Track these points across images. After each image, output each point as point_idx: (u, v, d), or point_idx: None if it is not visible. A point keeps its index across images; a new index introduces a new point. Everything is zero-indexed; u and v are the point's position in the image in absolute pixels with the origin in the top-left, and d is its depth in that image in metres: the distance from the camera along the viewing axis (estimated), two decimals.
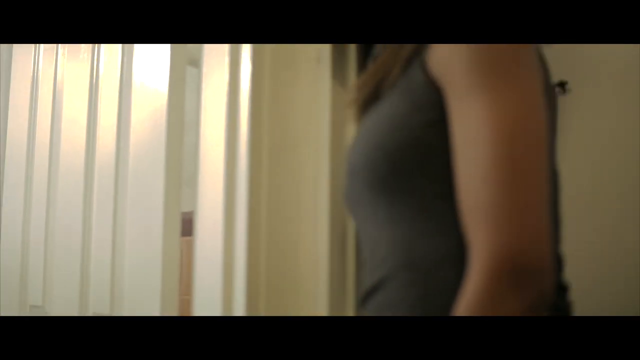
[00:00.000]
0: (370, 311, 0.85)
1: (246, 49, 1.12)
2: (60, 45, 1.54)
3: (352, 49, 1.13)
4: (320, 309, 1.09)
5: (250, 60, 1.12)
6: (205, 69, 1.20)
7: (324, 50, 1.13)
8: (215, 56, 1.17)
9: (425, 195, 0.80)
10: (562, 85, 4.01)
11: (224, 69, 1.15)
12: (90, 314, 1.41)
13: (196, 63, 1.26)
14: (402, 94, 0.83)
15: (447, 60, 0.77)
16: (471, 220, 0.71)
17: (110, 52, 1.40)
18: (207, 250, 1.15)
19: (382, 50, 0.91)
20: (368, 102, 0.91)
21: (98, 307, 1.40)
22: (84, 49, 1.46)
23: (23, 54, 1.74)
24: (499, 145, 0.69)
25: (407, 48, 0.84)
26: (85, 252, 1.43)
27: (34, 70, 1.71)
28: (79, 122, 1.48)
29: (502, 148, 0.69)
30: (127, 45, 1.36)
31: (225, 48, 1.15)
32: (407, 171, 0.80)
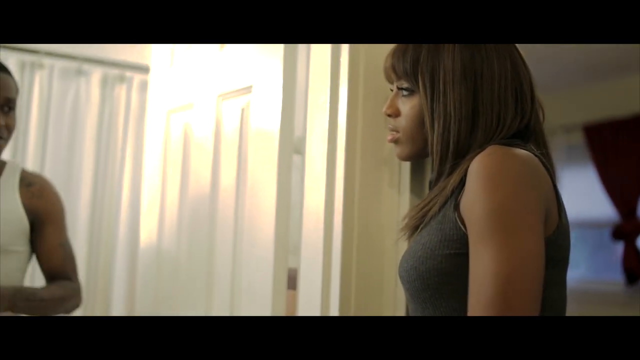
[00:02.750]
0: None
1: (341, 142, 1.41)
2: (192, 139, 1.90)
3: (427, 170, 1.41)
4: None
5: (344, 150, 1.40)
6: (307, 157, 1.50)
7: (404, 166, 1.41)
8: (315, 147, 1.47)
9: (449, 307, 1.04)
10: None
11: (323, 159, 1.44)
12: None
13: (300, 151, 1.58)
14: (437, 227, 1.07)
15: (469, 205, 1.01)
16: None
17: (229, 146, 1.73)
18: (308, 300, 1.45)
19: (433, 185, 1.17)
20: (416, 227, 1.15)
21: None
22: (208, 140, 1.81)
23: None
24: (497, 288, 0.92)
25: (449, 189, 1.07)
26: (208, 302, 1.76)
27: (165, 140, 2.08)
28: (205, 199, 1.82)
29: (500, 291, 0.92)
30: (243, 138, 1.69)
31: (325, 139, 1.44)
32: (433, 289, 1.05)
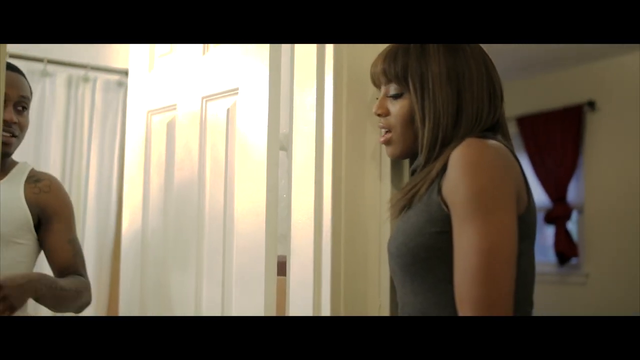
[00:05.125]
0: None
1: (328, 138, 1.52)
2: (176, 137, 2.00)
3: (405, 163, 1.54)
4: None
5: (331, 145, 1.51)
6: (294, 152, 1.61)
7: (385, 157, 1.52)
8: (302, 143, 1.58)
9: (436, 278, 1.19)
10: (591, 104, 4.77)
11: (311, 153, 1.54)
12: None
13: (284, 148, 1.71)
14: (423, 208, 1.21)
15: (452, 189, 1.15)
16: (461, 305, 1.10)
17: (215, 143, 1.85)
18: (300, 285, 1.58)
19: (418, 170, 1.30)
20: (403, 207, 1.30)
21: None
22: (193, 138, 1.91)
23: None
24: (480, 260, 1.08)
25: (433, 173, 1.21)
26: (198, 289, 1.87)
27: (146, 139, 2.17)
28: (192, 193, 1.93)
29: (483, 262, 1.08)
30: (230, 136, 1.80)
31: (313, 136, 1.54)
32: (423, 262, 1.20)
